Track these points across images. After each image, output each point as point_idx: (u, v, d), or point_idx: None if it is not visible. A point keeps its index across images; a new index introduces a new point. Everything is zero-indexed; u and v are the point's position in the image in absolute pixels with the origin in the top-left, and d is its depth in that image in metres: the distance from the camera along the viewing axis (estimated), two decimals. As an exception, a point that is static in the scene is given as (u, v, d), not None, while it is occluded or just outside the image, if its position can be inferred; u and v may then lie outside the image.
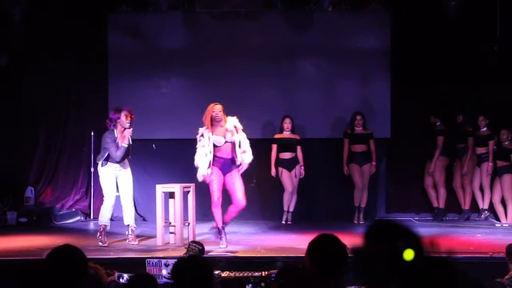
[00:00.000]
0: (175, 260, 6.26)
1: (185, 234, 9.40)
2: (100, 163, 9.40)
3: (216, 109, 8.81)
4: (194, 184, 9.57)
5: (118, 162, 9.28)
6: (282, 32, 12.01)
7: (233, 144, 8.78)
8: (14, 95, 11.97)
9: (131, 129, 9.20)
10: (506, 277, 6.58)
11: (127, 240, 9.39)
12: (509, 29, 11.28)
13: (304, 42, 11.98)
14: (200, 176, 8.79)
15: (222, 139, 8.78)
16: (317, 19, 11.99)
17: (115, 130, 9.28)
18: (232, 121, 8.86)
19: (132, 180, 9.50)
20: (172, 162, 11.96)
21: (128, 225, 9.43)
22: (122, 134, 9.24)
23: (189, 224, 9.43)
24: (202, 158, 8.77)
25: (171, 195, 9.40)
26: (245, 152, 8.78)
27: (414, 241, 2.49)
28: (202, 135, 8.84)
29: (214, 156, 8.79)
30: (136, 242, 9.33)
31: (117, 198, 9.55)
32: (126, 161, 9.44)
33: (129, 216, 9.45)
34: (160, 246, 9.09)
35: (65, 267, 3.62)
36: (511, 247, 6.89)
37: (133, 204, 9.53)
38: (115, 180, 9.41)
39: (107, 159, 9.30)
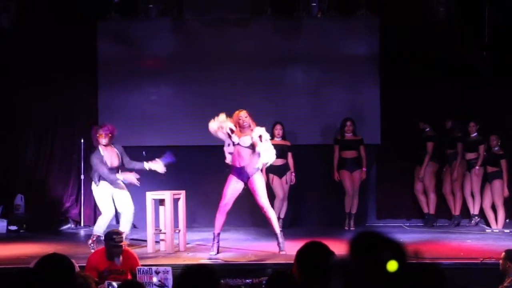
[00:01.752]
0: (181, 268, 6.24)
1: (176, 241, 9.38)
2: (94, 183, 9.47)
3: (242, 115, 8.85)
4: (184, 191, 9.56)
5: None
6: (271, 39, 12.01)
7: (252, 151, 8.81)
8: (2, 102, 11.91)
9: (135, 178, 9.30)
10: (505, 284, 6.57)
11: None
12: (498, 34, 11.31)
13: (293, 48, 11.98)
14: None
15: (248, 141, 8.81)
16: (306, 25, 11.99)
17: (99, 148, 9.41)
18: (259, 131, 8.89)
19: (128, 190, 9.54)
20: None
21: (124, 232, 9.40)
22: (108, 152, 9.39)
23: (179, 231, 9.42)
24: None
25: (161, 202, 9.39)
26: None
27: (398, 252, 2.49)
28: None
29: (232, 165, 8.88)
30: None
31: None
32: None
33: (126, 223, 9.43)
34: (151, 253, 9.07)
35: (53, 276, 3.60)
36: None
37: (133, 213, 9.49)
38: (111, 196, 9.45)
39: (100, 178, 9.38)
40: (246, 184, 8.90)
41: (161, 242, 9.34)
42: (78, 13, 11.72)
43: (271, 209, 9.09)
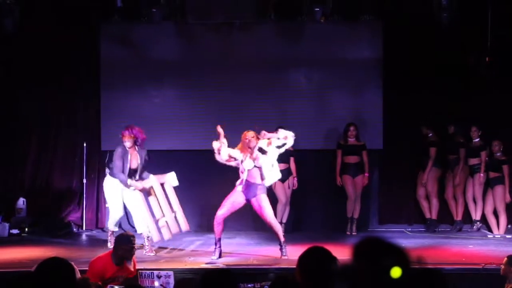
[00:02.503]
0: (203, 272, 6.18)
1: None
2: (108, 175, 9.57)
3: (249, 135, 9.01)
4: (170, 173, 9.65)
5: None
6: (274, 43, 12.00)
7: (261, 168, 8.98)
8: (5, 105, 11.92)
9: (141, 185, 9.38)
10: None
11: (144, 252, 9.34)
12: (501, 40, 11.30)
13: (296, 53, 11.97)
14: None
15: (252, 163, 8.94)
16: (310, 30, 11.98)
17: (125, 145, 9.52)
18: (261, 143, 9.02)
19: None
20: (164, 172, 11.92)
21: (141, 233, 9.40)
22: (131, 154, 9.51)
23: (175, 212, 9.51)
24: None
25: (149, 192, 9.46)
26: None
27: (402, 259, 2.49)
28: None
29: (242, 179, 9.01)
30: (153, 253, 9.28)
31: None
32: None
33: (140, 224, 9.44)
34: (157, 241, 9.27)
35: (53, 279, 3.61)
36: None
37: (144, 213, 9.49)
38: (120, 194, 9.49)
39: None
40: (249, 201, 8.98)
41: (162, 229, 9.40)
42: (82, 17, 11.72)
43: (278, 224, 9.27)
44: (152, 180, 9.38)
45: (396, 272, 2.43)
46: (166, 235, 9.36)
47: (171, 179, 9.60)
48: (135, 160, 9.52)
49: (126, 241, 7.08)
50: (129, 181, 9.35)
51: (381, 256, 2.47)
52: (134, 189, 9.31)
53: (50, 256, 3.92)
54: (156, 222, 9.38)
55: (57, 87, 11.92)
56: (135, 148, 9.56)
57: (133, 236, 7.21)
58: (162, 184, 9.54)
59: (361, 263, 2.51)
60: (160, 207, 9.41)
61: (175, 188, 9.69)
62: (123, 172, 9.37)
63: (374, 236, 2.62)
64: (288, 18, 11.96)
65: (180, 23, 11.90)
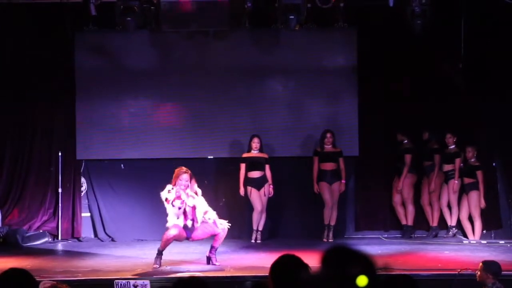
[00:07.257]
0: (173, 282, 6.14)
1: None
2: None
3: (184, 178, 8.89)
4: None
5: None
6: (249, 51, 12.02)
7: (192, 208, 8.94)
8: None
9: None
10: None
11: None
12: (474, 46, 11.39)
13: (271, 60, 11.99)
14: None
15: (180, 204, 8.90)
16: (284, 37, 12.00)
17: None
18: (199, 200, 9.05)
19: None
20: (140, 181, 11.90)
21: None
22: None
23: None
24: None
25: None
26: (206, 213, 9.01)
27: (367, 266, 2.50)
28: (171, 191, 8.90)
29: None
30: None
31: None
32: None
33: None
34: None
35: None
36: (493, 265, 6.86)
37: None
38: None
39: None
40: (188, 238, 9.05)
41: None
42: (56, 25, 11.64)
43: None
44: None
45: (362, 280, 2.44)
46: None
47: None
48: None
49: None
50: None
51: (347, 264, 2.48)
52: None
53: (25, 266, 3.89)
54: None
55: (32, 96, 11.83)
56: None
57: None
58: None
59: (327, 271, 2.52)
60: None
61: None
62: None
63: (341, 244, 2.63)
64: (263, 26, 11.96)
65: (155, 32, 11.86)
